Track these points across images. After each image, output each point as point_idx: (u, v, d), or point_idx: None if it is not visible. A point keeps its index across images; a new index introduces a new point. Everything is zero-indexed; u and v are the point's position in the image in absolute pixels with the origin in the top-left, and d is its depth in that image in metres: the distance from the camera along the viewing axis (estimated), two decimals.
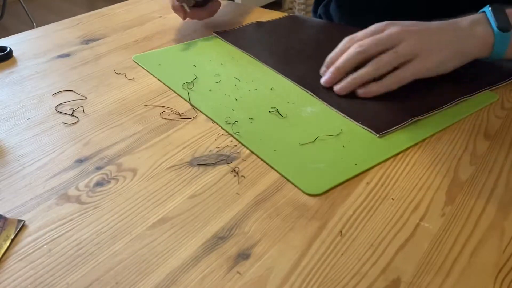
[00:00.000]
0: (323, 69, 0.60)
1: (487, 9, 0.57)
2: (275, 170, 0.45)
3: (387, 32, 0.56)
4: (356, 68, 0.57)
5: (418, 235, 0.38)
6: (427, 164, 0.46)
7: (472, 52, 0.57)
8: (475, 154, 0.48)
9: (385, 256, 0.37)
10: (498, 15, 0.56)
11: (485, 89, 0.58)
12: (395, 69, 0.55)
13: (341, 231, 0.39)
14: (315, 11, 0.94)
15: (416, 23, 0.57)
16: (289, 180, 0.44)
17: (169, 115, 0.54)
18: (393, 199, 0.42)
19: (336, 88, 0.56)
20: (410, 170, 0.46)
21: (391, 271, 0.35)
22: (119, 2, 0.89)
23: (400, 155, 0.48)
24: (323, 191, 0.43)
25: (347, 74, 0.57)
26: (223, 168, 0.46)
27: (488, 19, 0.56)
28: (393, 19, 0.58)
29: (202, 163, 0.46)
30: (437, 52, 0.55)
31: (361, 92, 0.55)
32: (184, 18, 0.73)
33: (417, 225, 0.39)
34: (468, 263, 0.36)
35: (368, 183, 0.44)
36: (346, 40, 0.59)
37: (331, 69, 0.58)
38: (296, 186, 0.43)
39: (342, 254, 0.37)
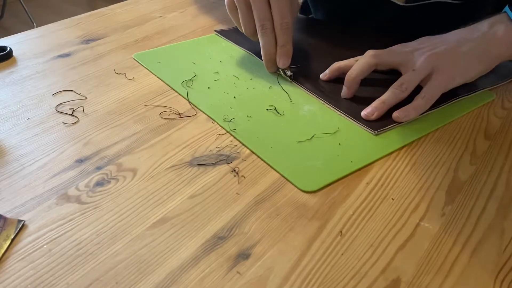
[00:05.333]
0: (344, 88, 0.57)
1: (507, 8, 0.55)
2: (272, 168, 0.46)
3: (400, 47, 0.56)
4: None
5: (418, 235, 0.38)
6: (427, 164, 0.46)
7: (498, 53, 0.54)
8: (475, 154, 0.48)
9: (385, 256, 0.37)
10: None
11: (483, 89, 0.58)
12: (418, 88, 0.54)
13: (341, 231, 0.39)
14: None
15: (428, 38, 0.57)
16: (285, 177, 0.44)
17: (169, 115, 0.54)
18: (393, 199, 0.42)
19: (365, 113, 0.53)
20: (410, 170, 0.46)
21: (391, 271, 0.35)
22: (119, 2, 0.89)
23: (400, 155, 0.48)
24: (318, 188, 0.43)
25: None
26: (223, 168, 0.46)
27: (509, 17, 0.54)
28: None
29: (202, 163, 0.46)
30: (456, 61, 0.53)
31: (396, 116, 0.52)
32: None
33: (417, 225, 0.39)
34: (468, 263, 0.36)
35: (368, 183, 0.44)
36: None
37: (346, 81, 0.56)
38: (292, 183, 0.44)
39: (342, 254, 0.37)
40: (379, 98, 0.53)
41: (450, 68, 0.53)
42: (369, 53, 0.56)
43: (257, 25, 0.58)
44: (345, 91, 0.56)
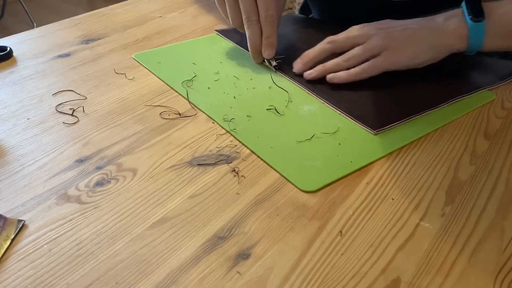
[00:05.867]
0: (298, 61, 0.62)
1: (463, 4, 0.58)
2: (272, 167, 0.46)
3: (359, 29, 0.59)
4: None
5: (418, 235, 0.38)
6: (427, 164, 0.46)
7: (447, 44, 0.57)
8: (475, 154, 0.48)
9: (385, 256, 0.37)
10: (473, 7, 0.56)
11: (483, 89, 0.58)
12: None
13: (341, 231, 0.39)
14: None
15: (389, 21, 0.60)
16: (285, 177, 0.44)
17: (169, 115, 0.54)
18: (393, 199, 0.42)
19: (306, 74, 0.59)
20: (410, 170, 0.46)
21: (391, 271, 0.35)
22: (119, 2, 0.89)
23: (400, 155, 0.48)
24: (318, 188, 0.43)
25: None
26: (223, 168, 0.46)
27: (464, 12, 0.57)
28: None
29: (202, 163, 0.46)
30: (407, 46, 0.57)
31: (329, 77, 0.57)
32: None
33: (417, 225, 0.39)
34: (468, 263, 0.36)
35: (368, 183, 0.44)
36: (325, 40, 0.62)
37: (304, 58, 0.61)
38: (292, 183, 0.44)
39: (342, 254, 0.37)
40: (323, 64, 0.59)
41: (401, 51, 0.56)
42: (328, 39, 0.60)
43: (243, 17, 0.61)
44: (298, 66, 0.60)
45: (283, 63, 0.63)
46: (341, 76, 0.57)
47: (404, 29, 0.58)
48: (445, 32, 0.57)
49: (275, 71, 0.62)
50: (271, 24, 0.60)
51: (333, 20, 0.83)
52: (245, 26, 0.62)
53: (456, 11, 0.58)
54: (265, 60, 0.63)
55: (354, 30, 0.59)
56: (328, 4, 0.84)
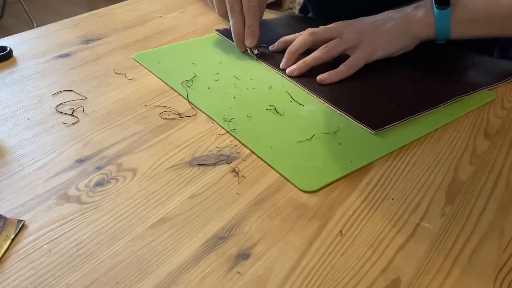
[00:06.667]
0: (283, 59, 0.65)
1: None
2: (272, 167, 0.46)
3: (336, 24, 0.64)
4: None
5: (418, 235, 0.38)
6: (427, 164, 0.46)
7: (416, 32, 0.61)
8: (475, 154, 0.48)
9: (385, 256, 0.37)
10: None
11: (483, 89, 0.58)
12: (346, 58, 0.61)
13: (341, 231, 0.39)
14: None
15: (362, 18, 0.64)
16: (285, 177, 0.44)
17: (169, 115, 0.54)
18: (393, 199, 0.42)
19: (288, 71, 0.62)
20: (410, 170, 0.46)
21: (391, 271, 0.35)
22: (119, 2, 0.89)
23: (400, 155, 0.48)
24: (318, 188, 0.43)
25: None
26: (223, 168, 0.46)
27: (433, 3, 0.60)
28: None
29: (202, 163, 0.46)
30: (379, 37, 0.61)
31: (320, 79, 0.60)
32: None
33: (417, 225, 0.39)
34: (468, 263, 0.36)
35: (368, 183, 0.44)
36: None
37: (287, 56, 0.63)
38: (292, 183, 0.44)
39: (342, 254, 0.37)
40: (303, 59, 0.62)
41: (374, 42, 0.61)
42: (308, 31, 0.63)
43: (228, 7, 0.65)
44: (284, 62, 0.63)
45: (265, 52, 0.67)
46: (331, 77, 0.60)
47: (374, 22, 0.62)
48: (413, 20, 0.61)
49: (257, 59, 0.66)
50: (253, 14, 0.65)
51: (329, 20, 0.84)
52: (229, 16, 0.66)
53: (425, 2, 0.61)
54: (248, 48, 0.67)
55: (332, 25, 0.64)
56: (322, 4, 0.85)
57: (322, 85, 0.59)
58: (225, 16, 0.68)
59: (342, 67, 0.60)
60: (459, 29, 0.59)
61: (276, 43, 0.68)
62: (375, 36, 0.61)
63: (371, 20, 0.63)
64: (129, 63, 0.66)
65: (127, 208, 0.41)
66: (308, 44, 0.63)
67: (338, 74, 0.60)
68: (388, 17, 0.62)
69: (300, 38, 0.63)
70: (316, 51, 0.61)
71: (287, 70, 0.62)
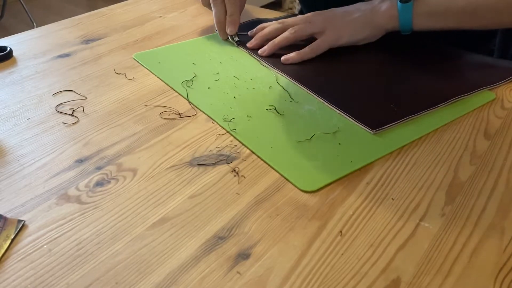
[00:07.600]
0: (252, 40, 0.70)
1: None
2: (272, 167, 0.46)
3: (308, 13, 0.68)
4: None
5: (418, 235, 0.38)
6: (427, 164, 0.46)
7: (380, 24, 0.65)
8: (475, 154, 0.48)
9: (385, 256, 0.37)
10: None
11: (483, 89, 0.58)
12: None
13: (341, 231, 0.39)
14: None
15: (333, 9, 0.68)
16: (285, 177, 0.44)
17: (169, 115, 0.54)
18: (393, 199, 0.42)
19: (260, 51, 0.67)
20: (410, 170, 0.46)
21: (391, 271, 0.35)
22: (119, 2, 0.89)
23: (400, 155, 0.48)
24: (318, 188, 0.43)
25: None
26: (223, 168, 0.46)
27: None
28: None
29: (202, 163, 0.46)
30: (345, 25, 0.66)
31: (283, 59, 0.64)
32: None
33: (417, 225, 0.39)
34: (468, 263, 0.36)
35: (368, 183, 0.44)
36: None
37: (257, 38, 0.69)
38: (292, 183, 0.44)
39: (342, 254, 0.37)
40: (272, 40, 0.67)
41: (340, 28, 0.66)
42: (291, 30, 0.67)
43: None
44: (264, 50, 0.67)
45: (245, 40, 0.70)
46: (293, 57, 0.64)
47: (343, 12, 0.67)
48: (377, 13, 0.65)
49: (237, 46, 0.70)
50: (234, 4, 0.70)
51: None
52: (212, 5, 0.71)
53: None
54: (229, 36, 0.71)
55: (303, 15, 0.69)
56: (315, 4, 0.86)
57: (322, 84, 0.59)
58: (208, 6, 0.73)
59: (306, 49, 0.65)
60: (421, 22, 0.63)
61: (255, 28, 0.72)
62: (341, 24, 0.66)
63: (340, 10, 0.67)
64: (129, 63, 0.66)
65: (127, 208, 0.41)
66: (278, 31, 0.67)
67: (300, 54, 0.64)
68: (356, 8, 0.67)
69: (271, 25, 0.68)
70: (285, 32, 0.66)
71: (259, 51, 0.67)
